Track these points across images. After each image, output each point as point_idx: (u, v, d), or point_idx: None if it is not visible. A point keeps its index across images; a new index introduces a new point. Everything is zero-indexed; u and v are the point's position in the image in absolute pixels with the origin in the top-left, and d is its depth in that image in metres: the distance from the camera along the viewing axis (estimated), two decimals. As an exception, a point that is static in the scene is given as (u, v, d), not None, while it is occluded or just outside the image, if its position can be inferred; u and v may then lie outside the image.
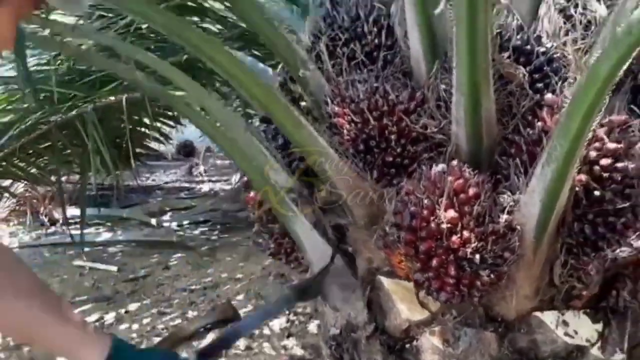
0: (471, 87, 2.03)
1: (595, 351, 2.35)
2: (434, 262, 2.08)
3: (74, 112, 4.32)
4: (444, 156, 2.23)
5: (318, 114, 2.48)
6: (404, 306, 2.40)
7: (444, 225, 2.01)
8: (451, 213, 2.02)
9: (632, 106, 2.33)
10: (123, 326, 4.58)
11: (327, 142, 2.32)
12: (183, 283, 5.55)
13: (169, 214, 8.03)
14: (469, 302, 2.26)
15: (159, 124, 7.48)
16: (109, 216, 7.95)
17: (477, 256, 2.03)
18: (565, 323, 2.33)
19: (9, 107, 4.77)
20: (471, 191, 2.05)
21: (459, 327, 2.33)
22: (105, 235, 7.43)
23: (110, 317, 4.75)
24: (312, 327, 4.12)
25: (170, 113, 7.05)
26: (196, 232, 7.35)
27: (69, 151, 5.78)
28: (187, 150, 14.89)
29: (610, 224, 2.18)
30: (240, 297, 4.96)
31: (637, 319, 2.53)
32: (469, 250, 2.02)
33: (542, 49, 2.24)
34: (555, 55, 2.25)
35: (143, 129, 7.14)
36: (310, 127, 2.27)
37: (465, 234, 2.02)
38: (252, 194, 2.92)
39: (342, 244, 2.63)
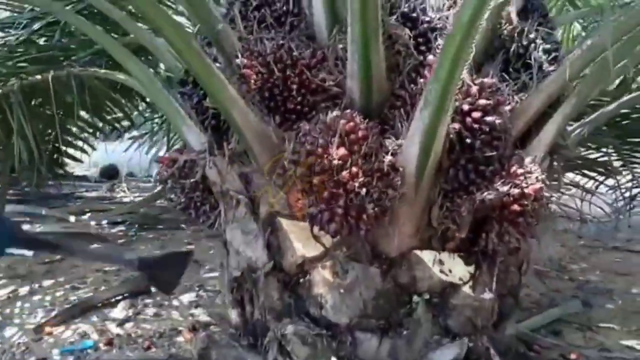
0: (363, 41, 2.35)
1: (467, 289, 2.65)
2: (326, 194, 2.37)
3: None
4: (340, 107, 2.53)
5: (230, 72, 2.74)
6: (300, 244, 2.66)
7: (335, 162, 2.30)
8: (342, 151, 2.31)
9: (503, 74, 2.70)
10: (36, 297, 4.70)
11: (236, 92, 2.58)
12: (97, 266, 5.70)
13: (88, 214, 8.13)
14: (357, 237, 2.54)
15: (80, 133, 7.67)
16: (29, 213, 8.03)
17: (364, 190, 2.32)
18: (441, 262, 2.63)
19: None
20: (360, 133, 2.36)
21: (347, 262, 2.61)
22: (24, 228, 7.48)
23: (23, 290, 4.84)
24: (219, 300, 4.34)
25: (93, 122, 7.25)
26: (114, 230, 7.47)
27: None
28: (111, 174, 14.78)
29: (480, 171, 2.52)
30: (154, 277, 5.16)
31: (507, 269, 2.87)
32: (356, 184, 2.31)
33: (427, 18, 2.59)
34: (438, 26, 2.59)
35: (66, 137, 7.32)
36: (222, 76, 2.54)
37: (354, 169, 2.32)
38: (166, 154, 3.15)
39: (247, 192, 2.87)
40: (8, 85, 4.46)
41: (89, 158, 9.81)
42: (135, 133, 10.42)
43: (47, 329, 3.95)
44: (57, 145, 7.56)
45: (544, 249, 4.79)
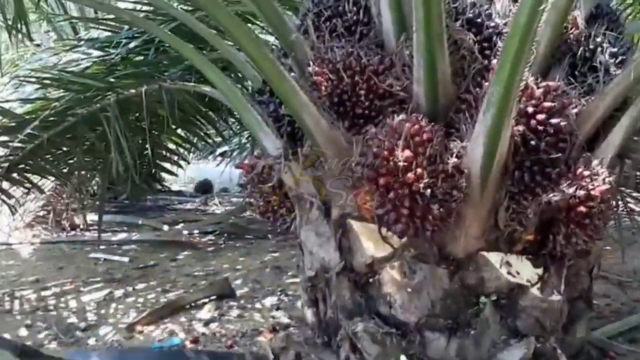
0: (428, 47, 2.43)
1: (535, 291, 2.68)
2: (391, 195, 2.44)
3: (97, 105, 4.75)
4: (406, 111, 2.61)
5: (303, 80, 2.87)
6: (370, 244, 2.74)
7: (400, 163, 2.38)
8: (407, 153, 2.39)
9: (570, 78, 2.73)
10: (129, 299, 5.00)
11: (307, 98, 2.70)
12: (187, 270, 5.98)
13: (181, 224, 8.47)
14: (424, 238, 2.60)
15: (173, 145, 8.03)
16: (127, 222, 8.48)
17: (429, 191, 2.39)
18: (508, 264, 2.67)
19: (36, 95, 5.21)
20: (425, 135, 2.43)
21: (415, 262, 2.68)
22: (121, 236, 7.87)
23: (118, 293, 5.18)
24: (299, 304, 4.49)
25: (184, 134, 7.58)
26: (204, 239, 7.76)
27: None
28: (205, 189, 15.19)
29: (546, 173, 2.55)
30: (239, 281, 5.38)
31: (577, 272, 2.87)
32: (421, 185, 2.38)
33: (492, 24, 2.65)
34: (503, 30, 2.65)
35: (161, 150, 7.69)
36: (294, 83, 2.67)
37: (419, 171, 2.39)
38: (246, 160, 3.31)
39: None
40: (105, 99, 4.73)
41: (184, 174, 10.20)
42: (226, 148, 10.76)
43: (139, 327, 4.18)
44: (154, 160, 7.93)
45: (629, 260, 4.73)
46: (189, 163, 9.70)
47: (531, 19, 2.07)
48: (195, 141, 8.16)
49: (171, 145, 8.11)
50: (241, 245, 7.25)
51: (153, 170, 8.70)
